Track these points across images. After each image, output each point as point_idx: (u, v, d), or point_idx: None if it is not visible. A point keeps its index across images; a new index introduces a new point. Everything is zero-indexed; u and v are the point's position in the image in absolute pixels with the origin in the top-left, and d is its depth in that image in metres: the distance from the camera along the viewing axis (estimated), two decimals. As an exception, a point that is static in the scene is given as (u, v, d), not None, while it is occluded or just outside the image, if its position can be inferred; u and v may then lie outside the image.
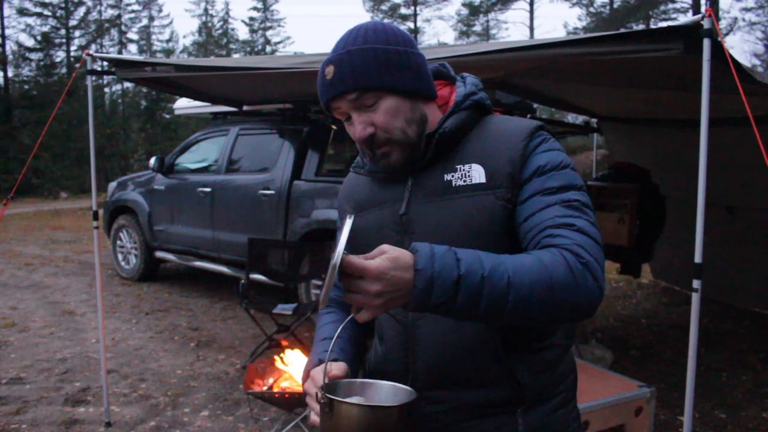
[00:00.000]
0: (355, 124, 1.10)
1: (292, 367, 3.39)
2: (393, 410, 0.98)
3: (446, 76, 1.23)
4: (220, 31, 34.34)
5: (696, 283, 2.39)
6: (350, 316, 0.95)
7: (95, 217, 3.56)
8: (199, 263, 6.23)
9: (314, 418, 1.04)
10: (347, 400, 1.01)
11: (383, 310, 0.90)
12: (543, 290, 0.91)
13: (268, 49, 34.09)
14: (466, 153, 1.13)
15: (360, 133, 1.09)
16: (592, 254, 0.96)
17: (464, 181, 1.10)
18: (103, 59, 3.85)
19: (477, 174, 1.09)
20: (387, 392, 1.09)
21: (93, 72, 3.46)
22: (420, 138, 1.13)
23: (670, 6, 24.43)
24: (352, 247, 1.26)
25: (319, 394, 0.99)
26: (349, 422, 0.97)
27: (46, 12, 26.24)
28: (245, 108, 5.43)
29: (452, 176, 1.11)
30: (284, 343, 4.14)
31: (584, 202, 1.05)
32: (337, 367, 1.09)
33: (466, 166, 1.11)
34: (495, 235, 1.07)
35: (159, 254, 6.72)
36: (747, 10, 24.48)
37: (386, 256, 0.88)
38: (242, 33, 44.18)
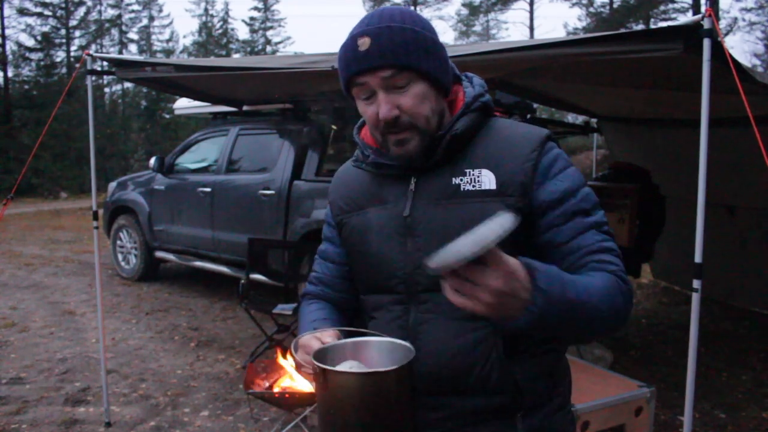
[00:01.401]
0: (381, 103, 1.06)
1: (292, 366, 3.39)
2: (390, 374, 0.93)
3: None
4: (220, 31, 34.29)
5: (696, 283, 2.39)
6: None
7: (95, 217, 3.56)
8: (199, 263, 6.23)
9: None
10: (340, 366, 0.97)
11: (485, 310, 0.85)
12: (610, 313, 1.00)
13: (269, 49, 34.05)
14: (475, 157, 1.11)
15: (385, 113, 1.05)
16: (629, 279, 1.07)
17: (473, 186, 1.08)
18: (103, 59, 3.85)
19: (487, 180, 1.08)
20: (383, 351, 1.04)
21: (93, 72, 3.46)
22: (437, 131, 1.11)
23: (670, 6, 24.40)
24: (350, 245, 1.23)
25: (313, 367, 0.95)
26: (345, 391, 0.92)
27: (46, 12, 26.20)
28: (245, 108, 5.43)
29: (461, 180, 1.09)
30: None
31: (606, 221, 1.11)
32: (328, 335, 1.07)
33: (476, 171, 1.09)
34: (500, 242, 1.06)
35: (159, 254, 6.72)
36: (747, 10, 24.46)
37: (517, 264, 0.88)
38: (242, 33, 44.17)
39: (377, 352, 1.04)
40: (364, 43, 1.04)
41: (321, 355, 0.98)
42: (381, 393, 0.92)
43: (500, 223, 0.83)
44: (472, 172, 1.09)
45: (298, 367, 1.09)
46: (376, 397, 0.92)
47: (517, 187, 1.07)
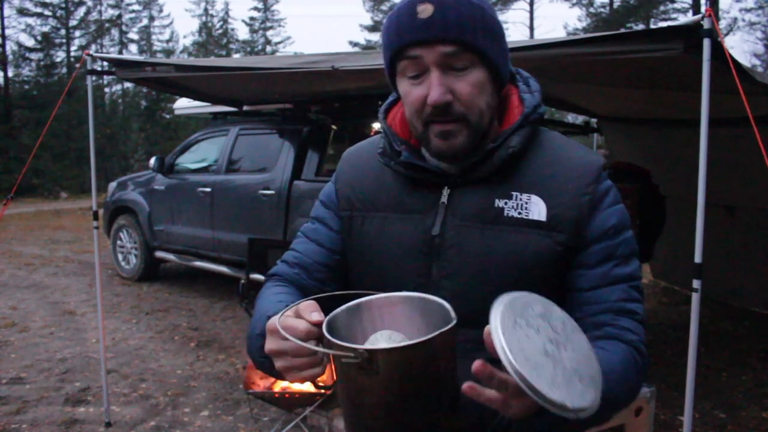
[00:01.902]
0: (434, 84, 0.88)
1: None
2: (453, 330, 0.74)
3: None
4: (220, 31, 34.31)
5: (696, 283, 2.39)
6: None
7: (95, 217, 3.56)
8: (199, 263, 6.23)
9: (308, 373, 0.79)
10: (375, 342, 0.78)
11: (491, 405, 0.74)
12: (625, 395, 0.89)
13: (269, 49, 34.07)
14: (524, 178, 0.96)
15: (437, 96, 0.88)
16: (647, 351, 0.95)
17: (519, 213, 0.94)
18: (103, 59, 3.85)
19: (536, 209, 0.93)
20: (399, 306, 0.85)
21: (93, 72, 3.46)
22: (486, 133, 0.95)
23: (670, 6, 24.44)
24: (357, 250, 1.05)
25: (354, 352, 0.71)
26: (409, 370, 0.71)
27: (46, 12, 26.21)
28: (245, 108, 5.43)
29: (505, 203, 0.94)
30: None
31: (641, 276, 0.97)
32: (308, 308, 0.80)
33: (524, 196, 0.94)
34: (541, 278, 0.93)
35: (159, 254, 6.72)
36: (747, 10, 24.49)
37: None
38: (242, 33, 44.21)
39: (399, 312, 0.84)
40: (426, 10, 0.87)
41: (332, 334, 0.75)
42: (447, 358, 0.75)
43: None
44: (519, 197, 0.94)
45: (277, 370, 0.82)
46: (444, 365, 0.75)
47: (570, 223, 0.93)
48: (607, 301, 0.93)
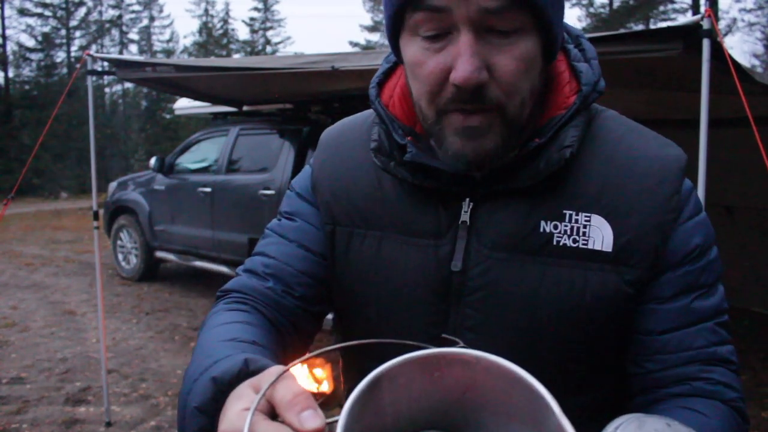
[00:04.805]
0: (464, 54, 0.59)
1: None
2: None
3: None
4: (220, 32, 34.34)
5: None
6: None
7: (95, 217, 3.56)
8: (199, 263, 6.23)
9: None
10: None
11: None
12: None
13: (269, 49, 34.10)
14: (580, 190, 0.68)
15: (469, 73, 0.58)
16: (747, 411, 0.75)
17: (575, 240, 0.67)
18: (103, 59, 3.86)
19: (599, 235, 0.67)
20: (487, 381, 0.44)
21: (93, 72, 3.47)
22: (522, 129, 0.67)
23: (670, 6, 24.47)
24: (342, 278, 0.76)
25: None
26: None
27: (46, 12, 26.26)
28: (245, 108, 5.43)
29: (555, 227, 0.67)
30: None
31: (728, 308, 0.72)
32: (291, 395, 0.43)
33: (581, 217, 0.67)
34: (603, 330, 0.69)
35: (159, 254, 6.73)
36: (746, 10, 24.53)
37: None
38: (243, 33, 44.33)
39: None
40: None
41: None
42: None
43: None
44: (574, 217, 0.67)
45: None
46: None
47: (646, 254, 0.67)
48: (691, 348, 0.68)
